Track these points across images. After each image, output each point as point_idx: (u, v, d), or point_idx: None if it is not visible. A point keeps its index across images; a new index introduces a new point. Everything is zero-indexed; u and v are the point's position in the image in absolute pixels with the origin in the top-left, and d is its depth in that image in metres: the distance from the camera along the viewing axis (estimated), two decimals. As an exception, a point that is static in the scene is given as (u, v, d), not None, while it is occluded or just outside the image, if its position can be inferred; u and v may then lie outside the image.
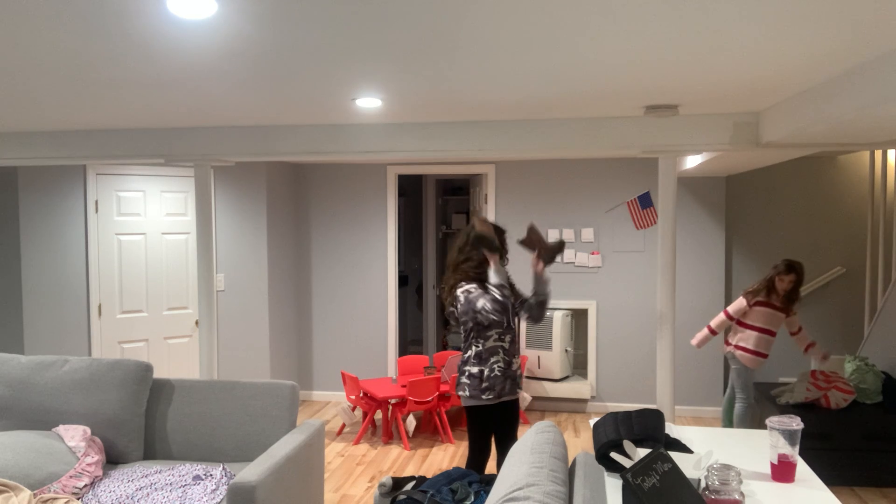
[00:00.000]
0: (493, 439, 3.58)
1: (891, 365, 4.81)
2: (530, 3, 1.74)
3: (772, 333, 4.70)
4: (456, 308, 3.41)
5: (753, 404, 4.79)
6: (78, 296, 5.19)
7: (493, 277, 3.32)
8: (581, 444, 5.32)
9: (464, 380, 3.45)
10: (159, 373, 5.52)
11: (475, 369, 3.42)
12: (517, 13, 1.82)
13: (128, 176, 5.34)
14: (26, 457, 2.98)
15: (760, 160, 4.75)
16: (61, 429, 3.28)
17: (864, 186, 5.84)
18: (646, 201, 6.06)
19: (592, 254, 6.08)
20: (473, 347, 3.43)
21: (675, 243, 3.68)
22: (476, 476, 3.45)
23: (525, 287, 3.77)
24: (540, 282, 3.42)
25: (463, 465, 4.83)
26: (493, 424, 3.53)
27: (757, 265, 6.04)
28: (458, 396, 3.55)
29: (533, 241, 3.35)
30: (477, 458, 3.56)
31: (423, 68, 2.48)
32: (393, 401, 5.41)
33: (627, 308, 6.06)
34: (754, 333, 4.71)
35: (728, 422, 5.05)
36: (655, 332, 5.42)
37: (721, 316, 4.86)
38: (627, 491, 1.54)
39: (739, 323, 4.80)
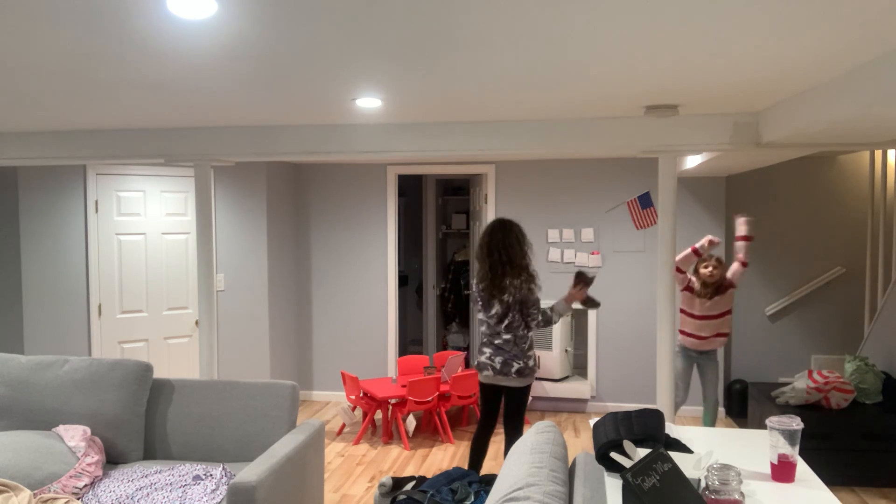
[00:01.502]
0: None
1: (891, 365, 4.81)
2: (530, 4, 1.74)
3: (687, 314, 4.86)
4: (519, 299, 3.78)
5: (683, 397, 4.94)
6: (78, 296, 5.19)
7: (564, 306, 3.92)
8: (581, 444, 5.32)
9: (531, 363, 3.85)
10: (159, 373, 5.52)
11: (534, 350, 3.95)
12: (517, 14, 1.82)
13: (128, 176, 5.34)
14: (26, 457, 2.98)
15: (760, 160, 4.75)
16: (61, 429, 3.28)
17: (864, 186, 5.84)
18: (646, 201, 6.06)
19: (592, 254, 6.08)
20: (530, 336, 3.87)
21: (675, 243, 3.68)
22: (476, 476, 3.45)
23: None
24: (566, 307, 3.92)
25: (463, 465, 4.83)
26: None
27: (757, 265, 6.04)
28: (523, 377, 3.84)
29: (584, 282, 3.92)
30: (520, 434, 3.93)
31: (423, 68, 2.48)
32: (393, 401, 5.41)
33: (627, 308, 6.06)
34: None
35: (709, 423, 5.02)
36: (655, 331, 5.42)
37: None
38: (627, 491, 1.54)
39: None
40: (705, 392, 4.89)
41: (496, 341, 3.85)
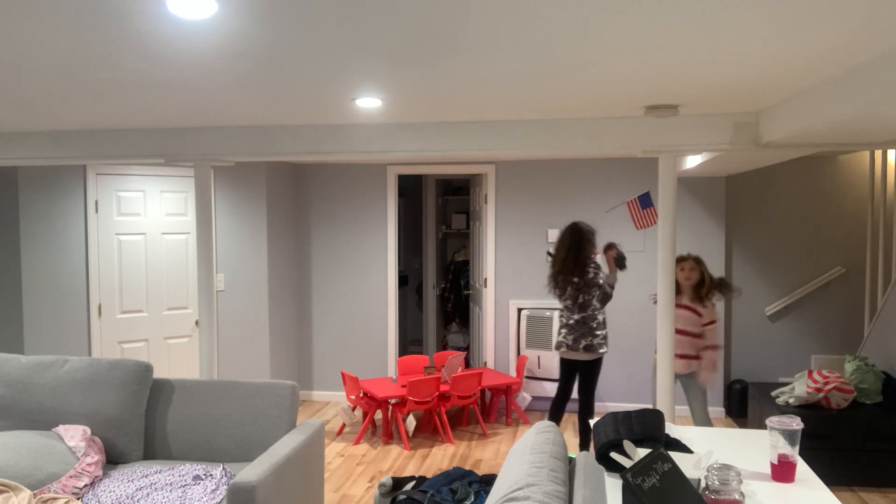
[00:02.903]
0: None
1: (891, 365, 4.81)
2: (531, 4, 1.74)
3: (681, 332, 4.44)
4: (588, 283, 4.61)
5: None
6: (78, 296, 5.19)
7: (610, 276, 4.71)
8: (581, 444, 5.32)
9: (597, 340, 4.61)
10: (159, 373, 5.52)
11: (606, 330, 4.77)
12: (518, 14, 1.82)
13: (128, 176, 5.34)
14: (26, 457, 2.98)
15: (760, 160, 4.75)
16: (61, 429, 3.28)
17: (864, 186, 5.84)
18: (646, 201, 6.05)
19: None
20: (598, 318, 4.64)
21: (675, 243, 3.68)
22: (476, 476, 3.45)
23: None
24: (612, 276, 4.68)
25: (462, 465, 4.83)
26: None
27: (757, 265, 6.04)
28: (589, 352, 4.63)
29: (610, 247, 4.74)
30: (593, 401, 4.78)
31: (423, 68, 2.48)
32: (393, 401, 5.41)
33: (627, 308, 6.06)
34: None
35: None
36: (655, 332, 5.41)
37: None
38: (627, 491, 1.54)
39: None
40: (692, 414, 4.52)
41: (570, 322, 4.67)
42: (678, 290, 4.38)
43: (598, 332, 4.61)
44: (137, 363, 3.51)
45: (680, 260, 4.48)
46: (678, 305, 4.41)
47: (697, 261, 4.51)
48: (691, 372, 4.47)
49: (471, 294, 7.26)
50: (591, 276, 4.58)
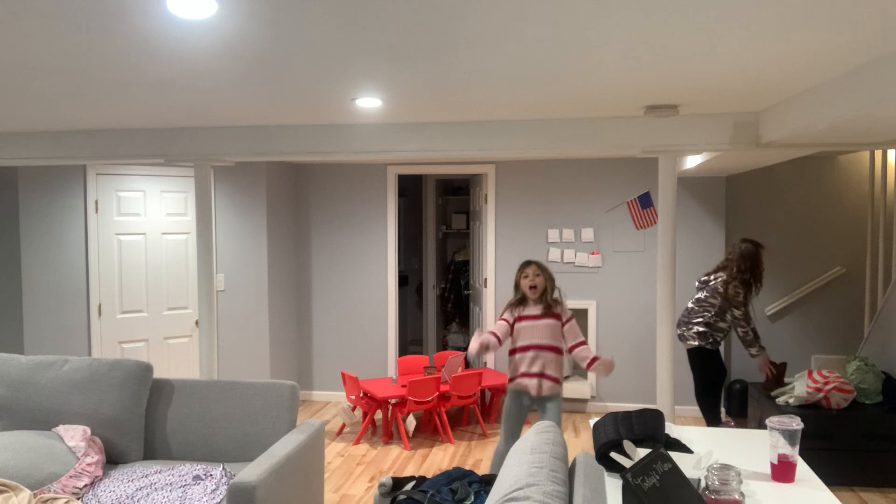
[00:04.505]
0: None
1: (891, 365, 4.81)
2: (531, 4, 1.74)
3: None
4: (720, 288, 4.79)
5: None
6: (78, 296, 5.18)
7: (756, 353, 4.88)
8: (581, 444, 5.32)
9: (693, 332, 4.86)
10: (159, 373, 5.52)
11: (707, 329, 4.88)
12: (518, 14, 1.82)
13: (128, 176, 5.34)
14: (26, 457, 2.98)
15: (760, 160, 4.75)
16: (61, 429, 3.28)
17: (864, 186, 5.84)
18: (646, 201, 6.06)
19: (592, 254, 6.08)
20: (707, 314, 4.85)
21: (675, 243, 3.68)
22: (476, 476, 3.45)
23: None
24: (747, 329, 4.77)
25: (462, 465, 4.83)
26: None
27: (757, 265, 6.03)
28: (684, 341, 4.95)
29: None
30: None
31: (423, 68, 2.48)
32: (393, 401, 5.41)
33: (627, 308, 6.06)
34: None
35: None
36: (655, 331, 5.41)
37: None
38: (627, 491, 1.54)
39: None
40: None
41: (686, 307, 5.02)
42: (525, 299, 3.96)
43: (694, 326, 4.80)
44: (137, 363, 3.51)
45: (521, 268, 3.98)
46: (533, 316, 3.93)
47: (542, 266, 3.95)
48: (557, 393, 3.93)
49: (471, 294, 7.26)
50: (731, 290, 4.67)
